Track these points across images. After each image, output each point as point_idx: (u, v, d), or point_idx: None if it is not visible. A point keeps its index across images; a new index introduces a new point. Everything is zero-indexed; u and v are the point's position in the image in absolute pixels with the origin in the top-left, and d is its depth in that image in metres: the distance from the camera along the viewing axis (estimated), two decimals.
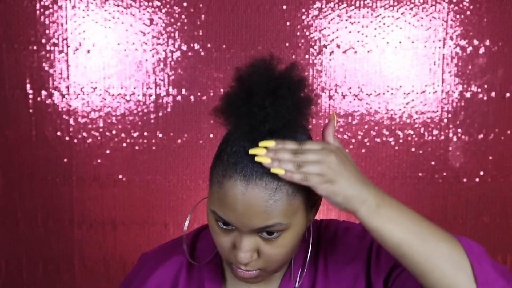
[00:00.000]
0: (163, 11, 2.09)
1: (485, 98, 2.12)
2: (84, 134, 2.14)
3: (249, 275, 1.01)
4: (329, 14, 2.09)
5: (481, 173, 2.16)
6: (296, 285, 1.10)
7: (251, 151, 0.95)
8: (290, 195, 0.95)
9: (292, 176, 0.94)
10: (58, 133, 2.15)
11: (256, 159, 0.95)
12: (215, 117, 0.98)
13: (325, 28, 2.10)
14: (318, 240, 1.14)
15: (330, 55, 2.11)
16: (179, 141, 2.14)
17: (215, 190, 0.97)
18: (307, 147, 0.96)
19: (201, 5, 2.09)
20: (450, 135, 2.14)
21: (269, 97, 0.93)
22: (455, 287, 0.94)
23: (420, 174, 2.15)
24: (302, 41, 2.09)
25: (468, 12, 2.09)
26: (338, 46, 2.10)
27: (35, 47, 2.10)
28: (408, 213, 0.98)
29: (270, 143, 0.95)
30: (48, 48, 2.10)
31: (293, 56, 2.09)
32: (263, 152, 0.95)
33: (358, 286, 1.09)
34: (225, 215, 0.96)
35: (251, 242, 0.97)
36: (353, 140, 2.14)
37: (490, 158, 2.15)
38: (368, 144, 2.14)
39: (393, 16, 2.09)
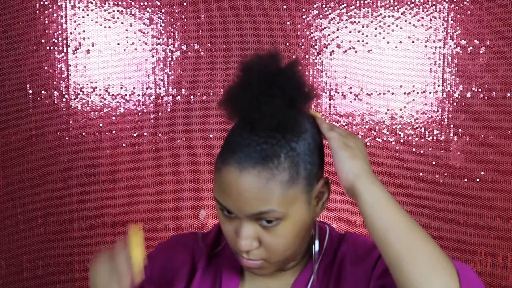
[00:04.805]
0: (163, 11, 2.09)
1: (485, 98, 2.12)
2: (84, 134, 2.14)
3: (253, 265, 1.05)
4: (329, 14, 2.09)
5: (482, 173, 2.15)
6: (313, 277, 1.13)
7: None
8: (285, 184, 0.98)
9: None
10: (58, 133, 2.15)
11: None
12: (221, 110, 1.02)
13: (325, 28, 2.09)
14: (336, 250, 1.15)
15: (331, 55, 2.10)
16: (179, 141, 2.13)
17: (216, 178, 1.01)
18: None
19: (201, 5, 2.08)
20: (451, 135, 2.14)
21: (263, 96, 0.96)
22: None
23: (421, 174, 2.15)
24: (302, 41, 2.09)
25: (469, 12, 2.08)
26: (338, 46, 2.10)
27: (35, 47, 2.10)
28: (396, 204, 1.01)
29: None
30: (48, 48, 2.10)
31: (293, 56, 2.09)
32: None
33: None
34: (223, 200, 1.00)
35: (250, 229, 1.01)
36: None
37: (491, 158, 2.14)
38: (368, 144, 2.13)
39: (393, 16, 2.09)
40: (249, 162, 0.97)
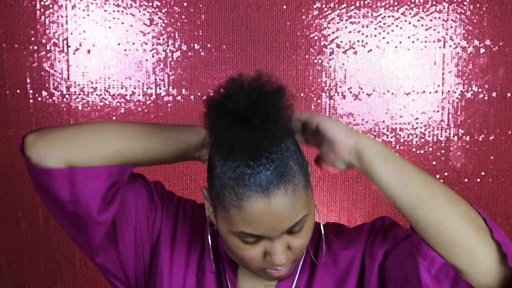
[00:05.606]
0: (163, 11, 2.10)
1: (486, 98, 2.12)
2: None
3: (286, 271, 1.06)
4: (329, 14, 2.09)
5: (482, 173, 2.15)
6: (322, 261, 1.14)
7: None
8: (304, 187, 1.00)
9: None
10: None
11: None
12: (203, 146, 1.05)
13: (325, 28, 2.09)
14: (319, 236, 1.16)
15: (330, 55, 2.10)
16: None
17: (233, 214, 0.99)
18: None
19: (201, 5, 2.09)
20: (451, 135, 2.13)
21: (258, 118, 0.94)
22: (474, 248, 0.96)
23: None
24: (302, 41, 2.09)
25: (469, 12, 2.08)
26: (338, 46, 2.10)
27: (35, 47, 2.10)
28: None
29: None
30: (48, 48, 2.11)
31: (293, 56, 2.09)
32: None
33: (353, 270, 1.13)
34: (255, 230, 0.99)
35: (283, 243, 1.02)
36: None
37: (491, 158, 2.14)
38: None
39: (393, 16, 2.09)
40: (273, 185, 0.96)
